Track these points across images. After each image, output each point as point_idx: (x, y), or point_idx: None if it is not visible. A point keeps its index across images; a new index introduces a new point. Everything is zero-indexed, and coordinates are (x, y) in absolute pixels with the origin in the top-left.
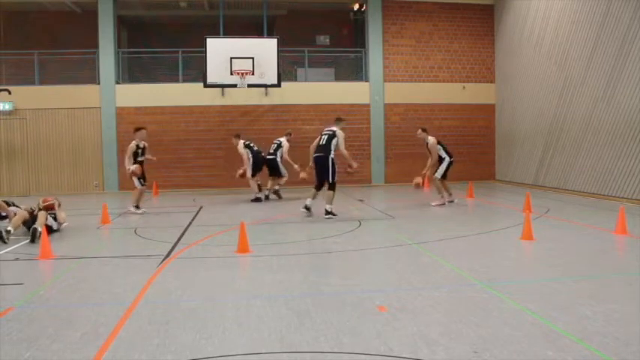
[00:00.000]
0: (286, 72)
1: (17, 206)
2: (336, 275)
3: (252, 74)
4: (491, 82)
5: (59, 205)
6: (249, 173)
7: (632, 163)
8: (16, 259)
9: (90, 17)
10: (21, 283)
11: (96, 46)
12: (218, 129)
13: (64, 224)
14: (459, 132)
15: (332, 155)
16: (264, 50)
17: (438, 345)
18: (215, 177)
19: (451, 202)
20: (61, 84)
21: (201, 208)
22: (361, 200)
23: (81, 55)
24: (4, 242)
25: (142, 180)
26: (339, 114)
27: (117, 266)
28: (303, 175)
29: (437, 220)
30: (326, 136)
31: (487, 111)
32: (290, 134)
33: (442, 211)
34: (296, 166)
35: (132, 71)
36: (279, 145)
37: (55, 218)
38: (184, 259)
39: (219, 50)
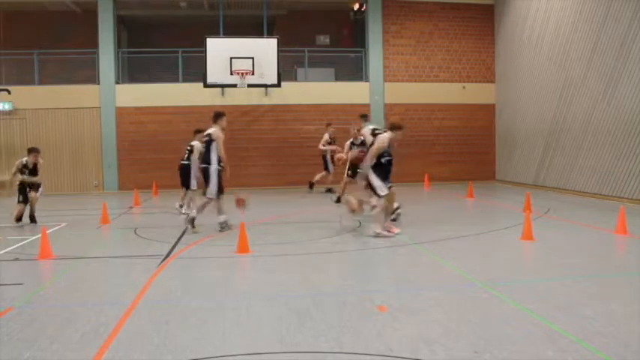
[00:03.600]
0: (286, 72)
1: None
2: (336, 275)
3: (252, 74)
4: (491, 82)
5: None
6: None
7: (632, 163)
8: (16, 259)
9: (90, 17)
10: (21, 283)
11: (96, 46)
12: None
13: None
14: (459, 132)
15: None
16: (264, 50)
17: (438, 345)
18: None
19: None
20: (61, 84)
21: None
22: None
23: (81, 55)
24: None
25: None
26: (339, 114)
27: (117, 266)
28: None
29: (437, 220)
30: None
31: (487, 111)
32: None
33: (442, 211)
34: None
35: (132, 71)
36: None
37: None
38: (184, 259)
39: (219, 50)
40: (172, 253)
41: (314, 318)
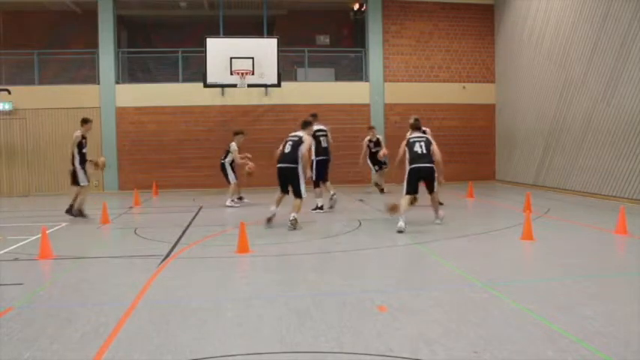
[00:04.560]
0: (286, 72)
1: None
2: (336, 275)
3: (252, 74)
4: (492, 82)
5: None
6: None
7: (632, 163)
8: (16, 259)
9: (90, 17)
10: (21, 283)
11: (96, 46)
12: (218, 129)
13: None
14: (459, 132)
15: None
16: (264, 50)
17: (438, 345)
18: (215, 177)
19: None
20: (61, 84)
21: (201, 207)
22: (361, 200)
23: (81, 55)
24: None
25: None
26: (339, 114)
27: (117, 266)
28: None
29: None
30: (423, 143)
31: (487, 111)
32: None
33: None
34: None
35: (132, 71)
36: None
37: None
38: (184, 259)
39: (219, 50)
40: (172, 253)
41: (314, 318)
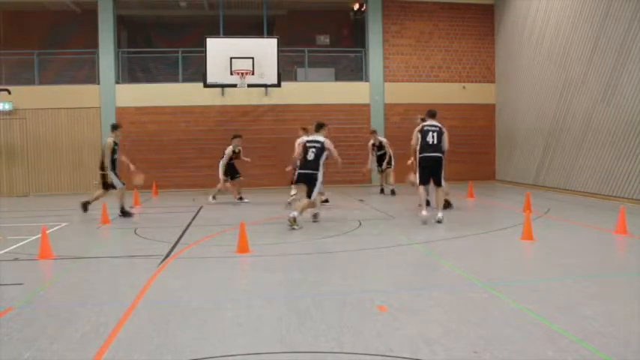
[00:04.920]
0: (286, 72)
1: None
2: (336, 275)
3: (252, 74)
4: (491, 82)
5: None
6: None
7: (632, 162)
8: (16, 259)
9: (90, 17)
10: (21, 283)
11: (96, 45)
12: (218, 129)
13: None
14: (459, 132)
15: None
16: (264, 50)
17: (438, 345)
18: (215, 177)
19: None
20: (61, 84)
21: (201, 207)
22: (361, 200)
23: (81, 55)
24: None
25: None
26: (339, 114)
27: (117, 266)
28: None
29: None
30: (436, 134)
31: (487, 111)
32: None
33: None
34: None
35: (132, 71)
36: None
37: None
38: (184, 259)
39: (219, 50)
40: (172, 253)
41: (314, 318)
